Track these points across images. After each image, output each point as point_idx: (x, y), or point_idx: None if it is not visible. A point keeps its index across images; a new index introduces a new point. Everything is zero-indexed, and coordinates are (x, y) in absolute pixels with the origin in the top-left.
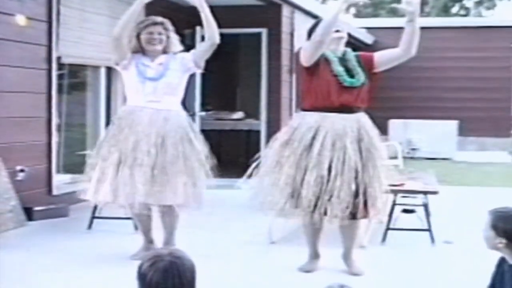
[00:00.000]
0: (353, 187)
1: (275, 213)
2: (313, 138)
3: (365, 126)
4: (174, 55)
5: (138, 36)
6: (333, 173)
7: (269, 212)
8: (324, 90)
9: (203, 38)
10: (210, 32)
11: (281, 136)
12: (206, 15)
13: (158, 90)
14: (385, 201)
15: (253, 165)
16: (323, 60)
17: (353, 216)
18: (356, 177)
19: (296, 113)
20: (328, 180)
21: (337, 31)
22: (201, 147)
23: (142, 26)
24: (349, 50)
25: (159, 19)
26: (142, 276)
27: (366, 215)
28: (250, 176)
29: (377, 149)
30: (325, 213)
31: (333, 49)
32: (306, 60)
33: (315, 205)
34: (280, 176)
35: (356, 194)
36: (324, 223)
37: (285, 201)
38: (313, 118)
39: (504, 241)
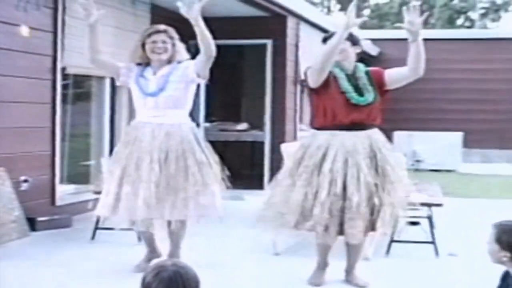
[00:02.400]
0: (374, 202)
1: (280, 227)
2: (324, 156)
3: (378, 142)
4: (178, 64)
5: (143, 46)
6: (349, 190)
7: (278, 228)
8: (333, 108)
9: None
10: (206, 47)
11: (293, 154)
12: (201, 29)
13: (159, 104)
14: (401, 215)
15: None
16: (332, 78)
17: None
18: (372, 194)
19: (308, 132)
20: (345, 198)
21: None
22: (207, 158)
23: (146, 34)
24: (360, 65)
25: (162, 27)
26: (146, 286)
27: (375, 229)
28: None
29: (391, 165)
30: (341, 232)
31: (341, 60)
32: (313, 83)
33: (330, 224)
34: (292, 194)
35: (373, 211)
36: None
37: (295, 219)
38: (323, 136)
39: (508, 254)
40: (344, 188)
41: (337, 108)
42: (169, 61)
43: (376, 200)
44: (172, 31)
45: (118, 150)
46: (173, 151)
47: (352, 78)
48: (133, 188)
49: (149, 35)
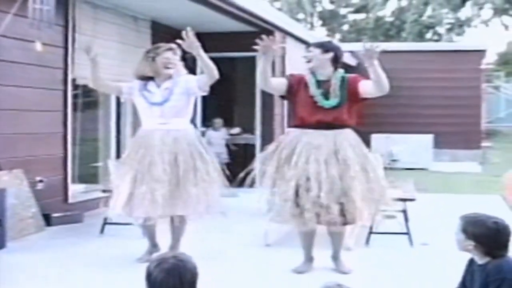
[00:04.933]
0: (324, 195)
1: (270, 219)
2: (293, 151)
3: (342, 141)
4: (178, 78)
5: (153, 59)
6: (310, 183)
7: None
8: (302, 109)
9: None
10: (209, 73)
11: (268, 149)
12: (203, 60)
13: (165, 113)
14: (371, 207)
15: (248, 176)
16: (303, 84)
17: (334, 222)
18: (334, 186)
19: (286, 130)
20: (307, 190)
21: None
22: (211, 159)
23: (159, 51)
24: (340, 72)
25: (174, 45)
26: (148, 274)
27: (345, 221)
28: (246, 184)
29: (353, 161)
30: (305, 219)
31: (315, 66)
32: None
33: (297, 212)
34: (268, 186)
35: (335, 202)
36: (316, 229)
37: (271, 208)
38: (294, 133)
39: (473, 243)
40: (308, 181)
41: (305, 110)
42: (170, 76)
43: (338, 192)
44: (177, 49)
45: (129, 155)
46: (181, 154)
47: (324, 83)
48: (149, 187)
49: (163, 51)
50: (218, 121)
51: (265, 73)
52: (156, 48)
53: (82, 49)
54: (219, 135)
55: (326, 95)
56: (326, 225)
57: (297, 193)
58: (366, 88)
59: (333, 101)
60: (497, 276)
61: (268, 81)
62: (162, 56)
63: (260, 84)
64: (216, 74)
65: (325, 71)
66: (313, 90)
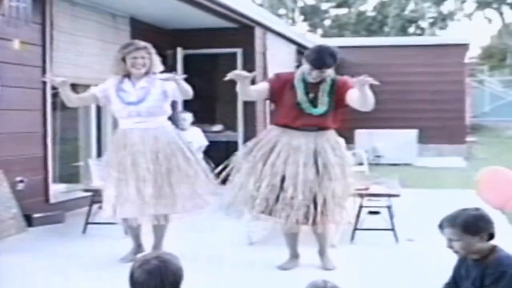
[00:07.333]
0: (301, 196)
1: (250, 216)
2: (271, 150)
3: (323, 143)
4: (154, 77)
5: (124, 59)
6: (286, 183)
7: (232, 214)
8: (287, 114)
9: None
10: (184, 94)
11: (247, 145)
12: (180, 86)
13: (141, 112)
14: (344, 209)
15: (224, 172)
16: (289, 87)
17: (311, 222)
18: (310, 189)
19: (269, 127)
20: (281, 190)
21: (319, 68)
22: (194, 156)
23: (127, 51)
24: (331, 77)
25: (142, 43)
26: (131, 275)
27: (322, 222)
28: (223, 182)
29: (333, 164)
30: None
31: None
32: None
33: (271, 210)
34: (237, 181)
35: (310, 203)
36: (300, 227)
37: (243, 204)
38: (275, 132)
39: (485, 236)
40: (283, 181)
41: (290, 115)
42: (146, 73)
43: (314, 194)
44: (150, 47)
45: (109, 156)
46: (162, 151)
47: (313, 87)
48: (136, 188)
49: (130, 51)
50: (185, 117)
51: (244, 91)
52: (126, 46)
53: (53, 84)
54: (188, 135)
55: (313, 101)
56: (303, 225)
57: (270, 192)
58: (353, 99)
59: (320, 109)
60: (498, 269)
61: (249, 95)
62: (130, 56)
63: (241, 98)
64: (190, 96)
65: (318, 78)
66: (301, 96)
